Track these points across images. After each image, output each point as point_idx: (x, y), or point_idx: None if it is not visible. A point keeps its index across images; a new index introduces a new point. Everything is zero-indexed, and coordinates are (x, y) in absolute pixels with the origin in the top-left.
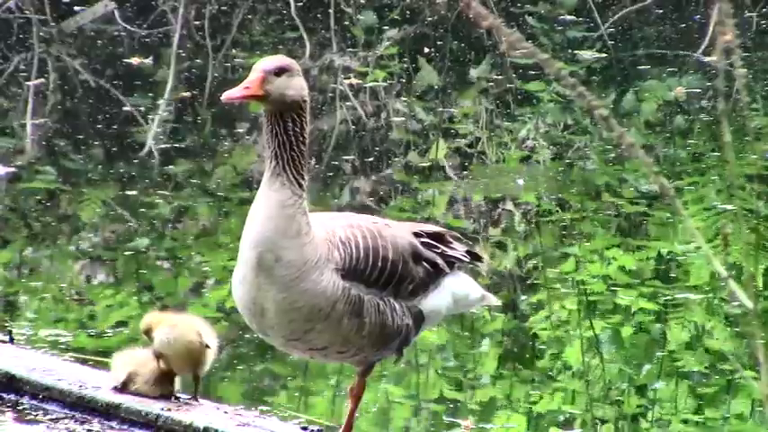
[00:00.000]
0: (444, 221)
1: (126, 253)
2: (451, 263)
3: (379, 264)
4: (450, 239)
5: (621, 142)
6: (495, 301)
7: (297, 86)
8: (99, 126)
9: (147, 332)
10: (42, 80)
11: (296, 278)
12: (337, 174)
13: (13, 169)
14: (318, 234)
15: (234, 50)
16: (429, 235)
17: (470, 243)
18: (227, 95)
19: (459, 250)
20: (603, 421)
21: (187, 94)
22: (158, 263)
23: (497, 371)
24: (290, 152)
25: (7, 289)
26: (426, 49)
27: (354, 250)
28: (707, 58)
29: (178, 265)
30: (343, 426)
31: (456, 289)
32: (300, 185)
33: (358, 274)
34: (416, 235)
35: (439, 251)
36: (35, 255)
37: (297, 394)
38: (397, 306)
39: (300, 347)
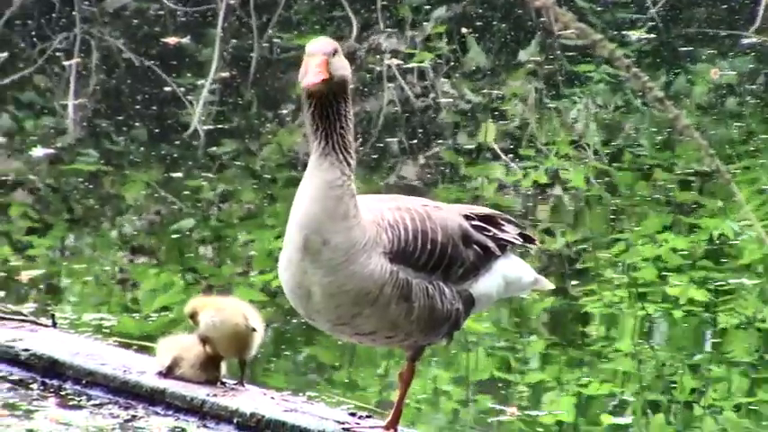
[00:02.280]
0: (493, 204)
1: (170, 236)
2: (503, 246)
3: (428, 247)
4: (502, 222)
5: (675, 124)
6: (548, 284)
7: (346, 65)
8: (141, 106)
9: (193, 316)
10: (78, 60)
11: (343, 261)
12: (384, 156)
13: (52, 151)
14: (366, 216)
15: (278, 30)
16: (480, 217)
17: (522, 225)
18: (309, 82)
19: (511, 233)
20: (655, 407)
21: (227, 74)
22: (203, 246)
23: (546, 355)
24: (339, 131)
25: (50, 272)
26: (474, 30)
27: (403, 233)
28: (758, 38)
29: (223, 248)
30: (392, 411)
31: (508, 272)
32: (349, 165)
33: (406, 257)
34: (467, 217)
35: (490, 234)
36: (77, 238)
37: (345, 379)
38: (447, 290)
39: (348, 332)
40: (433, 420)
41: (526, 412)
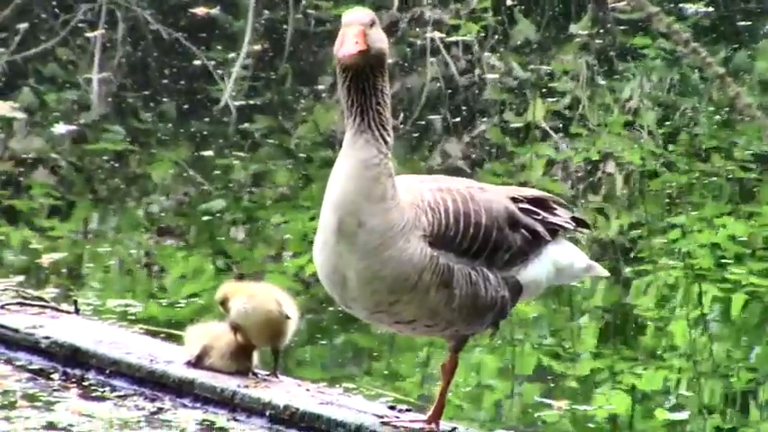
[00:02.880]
0: (541, 186)
1: (200, 218)
2: (554, 230)
3: (471, 230)
4: (553, 205)
5: (735, 103)
6: (602, 271)
7: (384, 38)
8: (169, 81)
9: (223, 303)
10: (103, 31)
11: (380, 245)
12: (426, 134)
13: (75, 127)
14: (405, 198)
15: (314, 0)
16: (529, 200)
17: (570, 209)
18: (346, 53)
19: (562, 216)
20: (712, 402)
21: (260, 47)
22: (234, 228)
23: (597, 347)
24: (376, 107)
25: (72, 256)
26: (522, 1)
27: (444, 215)
28: None
29: (255, 231)
30: (434, 405)
31: (559, 258)
32: (386, 143)
33: (447, 241)
34: (514, 200)
35: (540, 217)
36: (102, 220)
37: (384, 370)
38: (492, 276)
39: (386, 320)
40: (476, 415)
41: (575, 406)
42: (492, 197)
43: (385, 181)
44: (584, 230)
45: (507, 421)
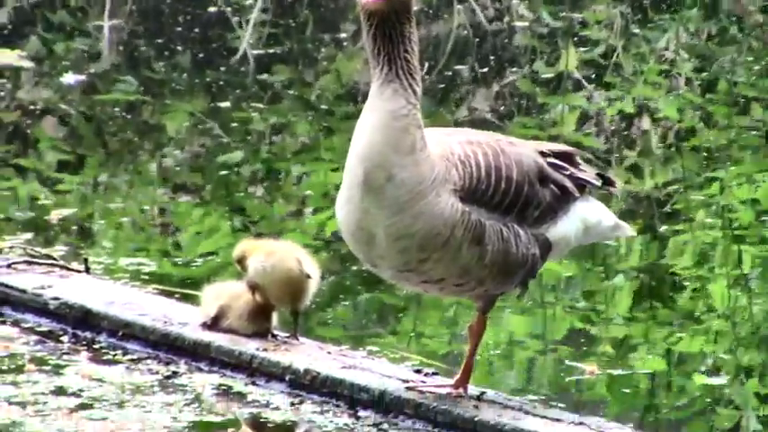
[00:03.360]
0: (574, 140)
1: (216, 172)
2: (581, 186)
3: (503, 185)
4: (580, 160)
5: None
6: (629, 231)
7: None
8: (184, 29)
9: (241, 261)
10: None
11: (409, 200)
12: (453, 85)
13: (85, 77)
14: (434, 150)
15: None
16: (556, 154)
17: (602, 165)
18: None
19: (588, 173)
20: (750, 366)
21: None
22: (252, 183)
23: (632, 309)
24: (403, 55)
25: (82, 212)
26: None
27: (475, 169)
28: None
29: (274, 187)
30: (461, 368)
31: (587, 216)
32: (415, 93)
33: (479, 196)
34: (543, 154)
35: (567, 173)
36: (113, 174)
37: (409, 332)
38: (522, 233)
39: (413, 279)
40: (505, 379)
41: (609, 371)
42: (522, 151)
43: (414, 132)
44: (611, 188)
45: (538, 386)
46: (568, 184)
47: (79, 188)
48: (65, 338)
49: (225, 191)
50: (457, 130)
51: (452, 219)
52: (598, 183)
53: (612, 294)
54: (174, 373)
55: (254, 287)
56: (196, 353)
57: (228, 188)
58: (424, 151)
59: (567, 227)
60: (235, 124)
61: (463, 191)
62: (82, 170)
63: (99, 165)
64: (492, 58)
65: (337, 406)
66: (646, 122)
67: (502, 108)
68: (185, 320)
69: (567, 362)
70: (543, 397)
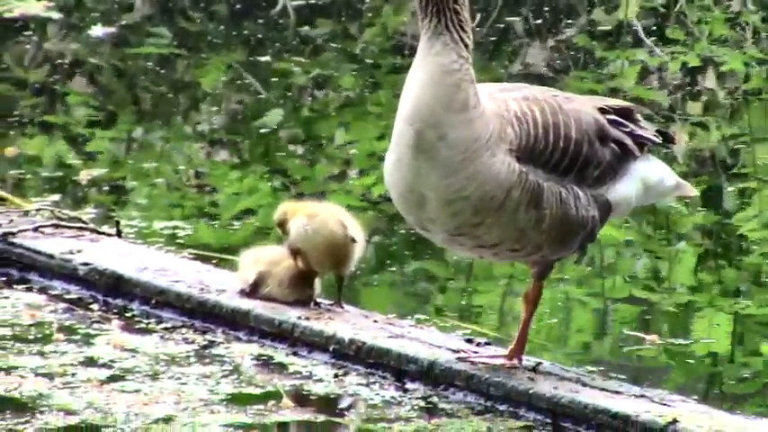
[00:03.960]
0: (635, 95)
1: (255, 130)
2: (641, 144)
3: (561, 144)
4: (639, 117)
5: None
6: (692, 191)
7: None
8: None
9: (282, 224)
10: None
11: (463, 160)
12: (506, 38)
13: (115, 29)
14: (488, 107)
15: None
16: (616, 111)
17: (664, 121)
18: None
19: (649, 130)
20: None
21: None
22: (293, 142)
23: (695, 274)
24: (453, 6)
25: (114, 173)
26: None
27: (532, 127)
28: None
29: (317, 146)
30: (515, 337)
31: (647, 175)
32: (466, 46)
33: (536, 155)
34: (602, 111)
35: (627, 130)
36: (146, 132)
37: (460, 300)
38: (582, 194)
39: (467, 244)
40: (561, 349)
41: (670, 340)
42: (580, 107)
43: (467, 88)
44: (672, 145)
45: (596, 356)
46: (629, 142)
47: (110, 147)
48: (95, 306)
49: (264, 150)
50: (512, 85)
51: (508, 180)
52: (659, 140)
53: (675, 259)
54: (211, 343)
55: (295, 252)
56: (234, 321)
57: (268, 147)
58: (477, 108)
59: (627, 187)
60: (275, 79)
61: (519, 150)
62: (113, 128)
63: (131, 122)
64: (546, 9)
65: (383, 378)
66: (710, 77)
67: (557, 62)
68: (223, 287)
69: (626, 331)
70: (602, 368)
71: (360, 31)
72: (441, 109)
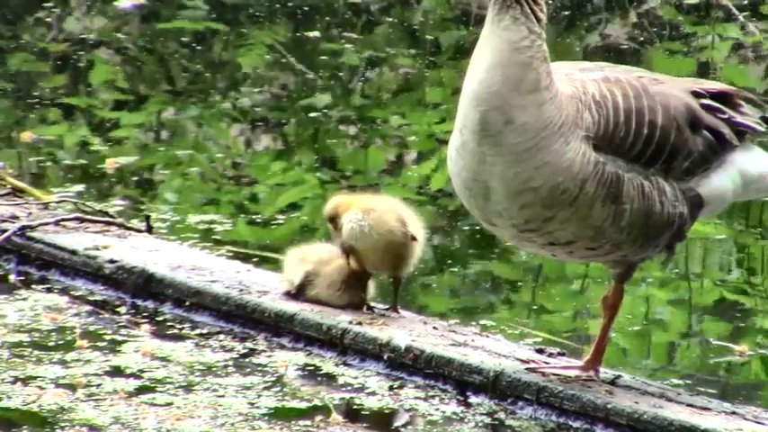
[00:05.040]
0: (726, 76)
1: (301, 115)
2: (742, 133)
3: (645, 131)
4: (740, 101)
5: None
6: None
7: None
8: None
9: (333, 219)
10: None
11: (532, 147)
12: (583, 11)
13: (143, 2)
14: (563, 89)
15: None
16: (712, 95)
17: (763, 105)
18: None
19: (750, 116)
20: None
21: None
22: (343, 128)
23: None
24: None
25: (143, 161)
26: None
27: (612, 113)
28: None
29: (370, 132)
30: (593, 346)
31: (747, 167)
32: (539, 21)
33: (616, 144)
34: (695, 94)
35: (725, 116)
36: (179, 116)
37: (530, 305)
38: (668, 188)
39: (537, 241)
40: (643, 360)
41: (763, 351)
42: (669, 91)
43: (538, 67)
44: None
45: (681, 368)
46: (725, 130)
47: (139, 132)
48: (122, 309)
49: (311, 137)
50: (592, 64)
51: (583, 171)
52: (762, 128)
53: None
54: (252, 351)
55: (348, 250)
56: (278, 327)
57: (316, 134)
58: (550, 90)
59: (722, 181)
60: (323, 58)
61: (597, 138)
62: (142, 111)
63: (162, 106)
64: None
65: (444, 390)
66: None
67: (640, 38)
68: (265, 288)
69: (714, 341)
70: (688, 382)
71: (418, 0)
72: (509, 90)
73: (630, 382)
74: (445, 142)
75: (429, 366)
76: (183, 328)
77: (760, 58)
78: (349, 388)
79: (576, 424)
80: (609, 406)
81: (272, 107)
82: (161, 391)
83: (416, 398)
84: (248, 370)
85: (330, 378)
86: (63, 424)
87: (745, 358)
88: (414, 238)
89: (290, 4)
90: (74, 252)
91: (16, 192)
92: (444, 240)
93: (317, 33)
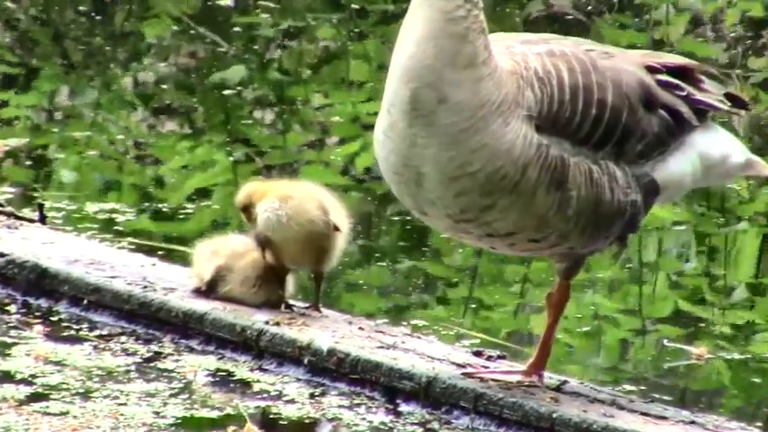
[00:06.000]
0: (684, 49)
1: (211, 91)
2: (702, 111)
3: (593, 111)
4: (701, 76)
5: None
6: (765, 169)
7: None
8: None
9: (247, 209)
10: None
11: (468, 128)
12: None
13: None
14: (503, 64)
15: None
16: (669, 70)
17: (722, 80)
18: None
19: (713, 93)
20: None
21: None
22: (259, 107)
23: (757, 273)
24: None
25: (35, 142)
26: None
27: (557, 90)
28: None
29: (288, 111)
30: (537, 347)
31: (708, 150)
32: None
33: (561, 125)
34: (650, 69)
35: (683, 94)
36: (75, 93)
37: (466, 303)
38: (620, 173)
39: (474, 233)
40: (591, 363)
41: (722, 355)
42: (621, 66)
43: (475, 39)
44: (742, 111)
45: (634, 372)
46: (684, 108)
47: (31, 111)
48: (12, 308)
49: (222, 115)
50: (535, 36)
51: (525, 154)
52: (725, 106)
53: (732, 253)
54: (158, 354)
55: (263, 243)
56: (186, 327)
57: (227, 112)
58: (488, 64)
59: (680, 164)
60: (236, 29)
61: (540, 118)
62: (34, 88)
63: (57, 81)
64: None
65: (371, 398)
66: None
67: (589, 6)
68: (171, 285)
69: (669, 343)
70: (642, 387)
71: None
72: (442, 65)
73: (578, 388)
74: (371, 127)
75: (354, 371)
76: (80, 329)
77: (720, 38)
78: (265, 395)
79: None
80: (554, 415)
81: (179, 82)
82: (56, 399)
83: (340, 406)
84: (153, 375)
85: (244, 384)
86: None
87: (703, 362)
88: (337, 229)
89: None
90: None
91: None
92: (372, 231)
93: (228, 2)
